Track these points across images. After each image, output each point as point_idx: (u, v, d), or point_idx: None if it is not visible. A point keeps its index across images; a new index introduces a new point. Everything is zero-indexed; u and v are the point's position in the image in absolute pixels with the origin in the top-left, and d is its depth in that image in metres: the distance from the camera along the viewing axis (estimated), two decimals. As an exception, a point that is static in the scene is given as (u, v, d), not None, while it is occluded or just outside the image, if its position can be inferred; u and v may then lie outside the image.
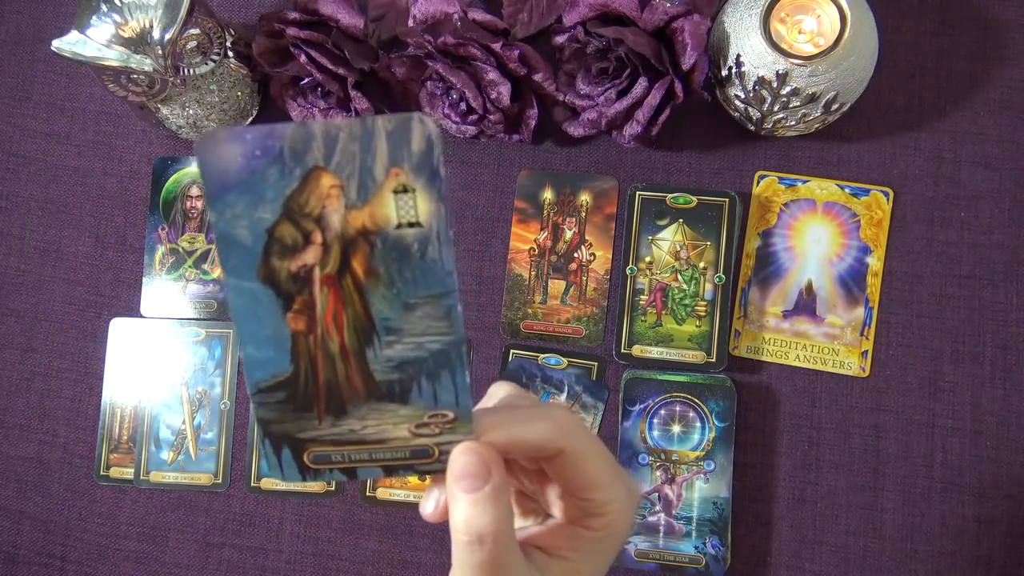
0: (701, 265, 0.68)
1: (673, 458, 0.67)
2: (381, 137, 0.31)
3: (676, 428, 0.67)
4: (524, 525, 0.40)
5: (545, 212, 0.70)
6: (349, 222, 0.32)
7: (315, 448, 0.35)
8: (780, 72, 0.60)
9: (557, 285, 0.70)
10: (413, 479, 0.69)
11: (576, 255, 0.70)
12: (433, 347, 0.33)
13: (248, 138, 0.31)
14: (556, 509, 0.38)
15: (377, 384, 0.34)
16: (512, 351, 0.69)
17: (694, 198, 0.68)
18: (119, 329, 0.72)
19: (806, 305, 0.68)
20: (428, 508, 0.37)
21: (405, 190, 0.32)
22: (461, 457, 0.34)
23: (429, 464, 0.35)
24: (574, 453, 0.35)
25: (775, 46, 0.59)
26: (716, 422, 0.67)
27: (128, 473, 0.71)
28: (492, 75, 0.65)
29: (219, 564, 0.70)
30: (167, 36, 0.61)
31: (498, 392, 0.40)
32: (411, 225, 0.32)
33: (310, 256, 0.33)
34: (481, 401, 0.40)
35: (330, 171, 0.31)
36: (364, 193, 0.32)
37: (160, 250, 0.73)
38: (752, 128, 0.67)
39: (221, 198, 0.31)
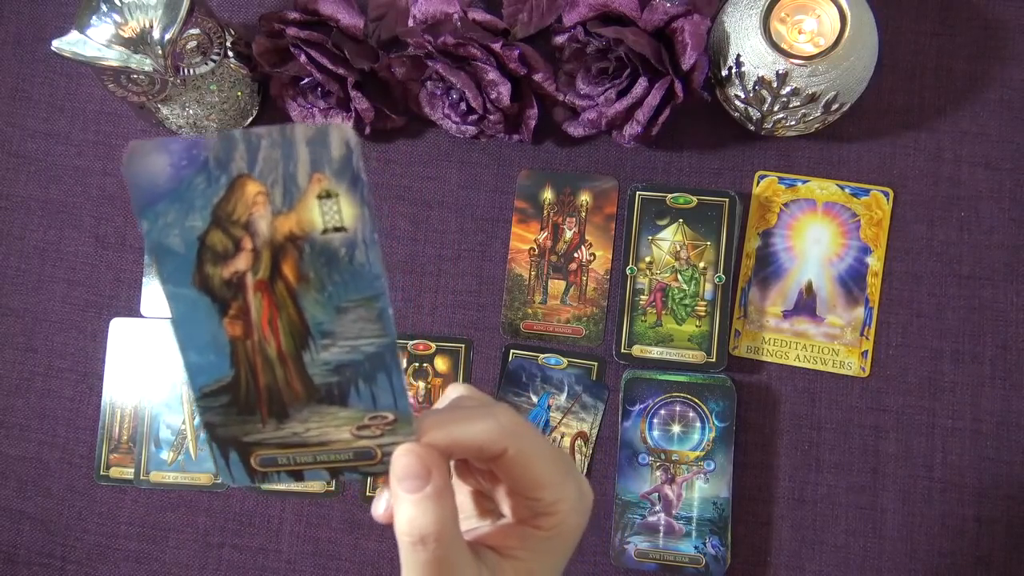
0: (701, 265, 0.68)
1: (673, 458, 0.67)
2: (301, 144, 0.32)
3: (676, 428, 0.67)
4: (480, 525, 0.40)
5: (545, 212, 0.70)
6: (277, 228, 0.33)
7: (261, 451, 0.35)
8: (780, 72, 0.60)
9: (557, 285, 0.70)
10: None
11: (576, 255, 0.70)
12: (368, 350, 0.34)
13: (173, 148, 0.32)
14: (506, 509, 0.39)
15: (316, 387, 0.34)
16: (512, 351, 0.69)
17: (694, 198, 0.68)
18: (119, 329, 0.72)
19: (806, 305, 0.68)
20: (379, 509, 0.37)
21: (328, 195, 0.32)
22: (402, 459, 0.34)
23: (372, 466, 0.35)
24: (518, 453, 0.36)
25: (775, 46, 0.59)
26: (716, 422, 0.67)
27: (128, 473, 0.71)
28: (492, 75, 0.65)
29: (219, 564, 0.70)
30: (167, 36, 0.61)
31: (451, 393, 0.40)
32: (336, 230, 0.33)
33: (241, 262, 0.33)
34: (437, 402, 0.40)
35: (255, 178, 0.32)
36: (289, 199, 0.32)
37: (160, 250, 0.73)
38: (752, 128, 0.67)
39: (151, 208, 0.32)
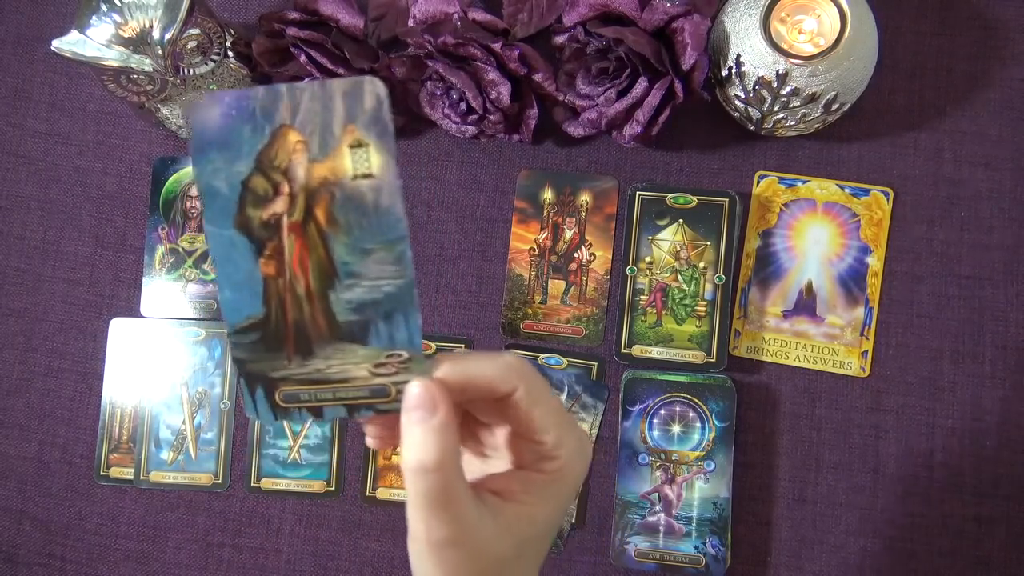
0: (701, 265, 0.68)
1: (673, 458, 0.67)
2: (338, 98, 0.35)
3: (676, 428, 0.67)
4: (482, 474, 0.41)
5: (545, 212, 0.70)
6: (312, 174, 0.35)
7: (285, 387, 0.38)
8: (780, 72, 0.60)
9: (557, 285, 0.70)
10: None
11: (576, 255, 0.70)
12: (388, 289, 0.36)
13: (226, 100, 0.35)
14: (509, 454, 0.40)
15: (339, 324, 0.37)
16: (512, 351, 0.69)
17: (694, 198, 0.68)
18: (119, 329, 0.72)
19: (806, 305, 0.68)
20: (369, 438, 0.40)
21: (360, 145, 0.35)
22: (412, 390, 0.36)
23: (387, 403, 0.38)
24: (527, 394, 0.38)
25: (775, 46, 0.59)
26: (716, 422, 0.67)
27: (128, 473, 0.71)
28: (492, 75, 0.65)
29: (219, 564, 0.70)
30: (167, 36, 0.61)
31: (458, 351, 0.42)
32: (365, 176, 0.35)
33: (279, 205, 0.36)
34: None
35: (296, 128, 0.35)
36: (325, 148, 0.35)
37: (160, 250, 0.73)
38: (752, 128, 0.67)
39: (204, 154, 0.35)
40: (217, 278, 0.37)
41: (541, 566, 0.41)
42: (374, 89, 0.34)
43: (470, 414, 0.41)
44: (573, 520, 0.68)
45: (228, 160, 0.35)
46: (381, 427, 0.39)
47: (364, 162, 0.35)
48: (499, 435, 0.41)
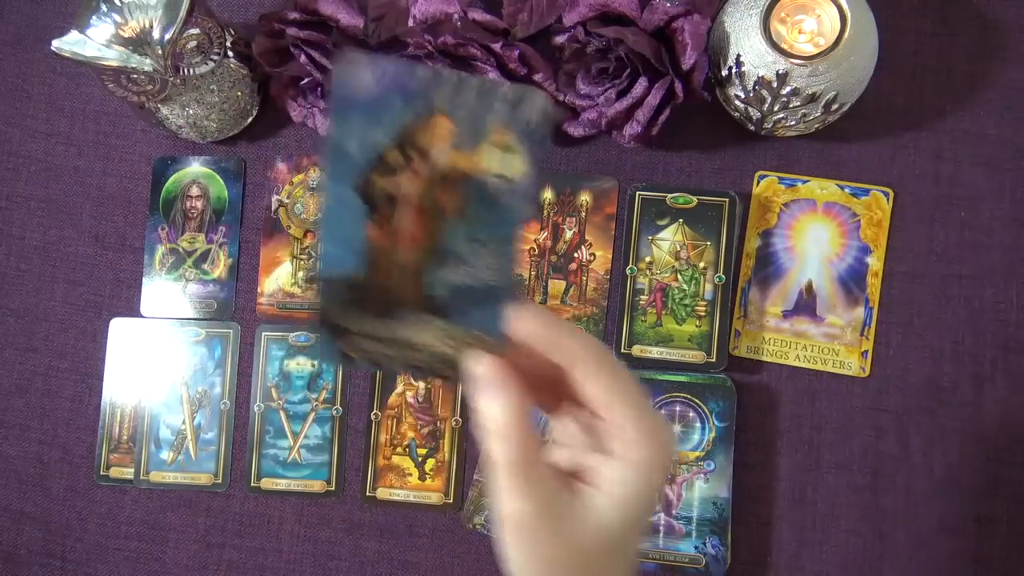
0: (701, 265, 0.68)
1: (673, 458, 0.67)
2: (502, 101, 0.36)
3: (676, 428, 0.67)
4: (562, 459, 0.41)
5: (545, 212, 0.70)
6: (450, 162, 0.36)
7: (358, 339, 0.39)
8: (780, 72, 0.60)
9: (557, 285, 0.70)
10: (413, 479, 0.69)
11: (576, 255, 0.70)
12: (488, 280, 0.38)
13: (385, 67, 0.35)
14: (583, 439, 0.40)
15: (429, 299, 0.38)
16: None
17: (694, 198, 0.68)
18: (119, 329, 0.72)
19: (806, 305, 0.68)
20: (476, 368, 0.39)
21: (507, 149, 0.36)
22: (482, 363, 0.37)
23: (449, 372, 0.39)
24: (587, 368, 0.38)
25: (775, 46, 0.59)
26: (716, 422, 0.67)
27: (128, 473, 0.71)
28: (492, 75, 0.65)
29: (219, 564, 0.70)
30: (167, 36, 0.61)
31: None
32: (503, 178, 0.36)
33: (407, 181, 0.37)
34: None
35: (448, 115, 0.36)
36: (472, 142, 0.36)
37: (160, 250, 0.73)
38: (752, 128, 0.67)
39: (344, 113, 0.36)
40: (322, 231, 0.38)
41: None
42: (540, 103, 0.35)
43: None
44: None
45: (367, 124, 0.36)
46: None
47: (507, 165, 0.36)
48: (570, 423, 0.41)
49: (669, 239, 0.68)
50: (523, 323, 0.38)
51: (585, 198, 0.70)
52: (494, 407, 0.37)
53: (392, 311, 0.38)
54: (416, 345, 0.39)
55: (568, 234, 0.70)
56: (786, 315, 0.68)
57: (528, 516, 0.36)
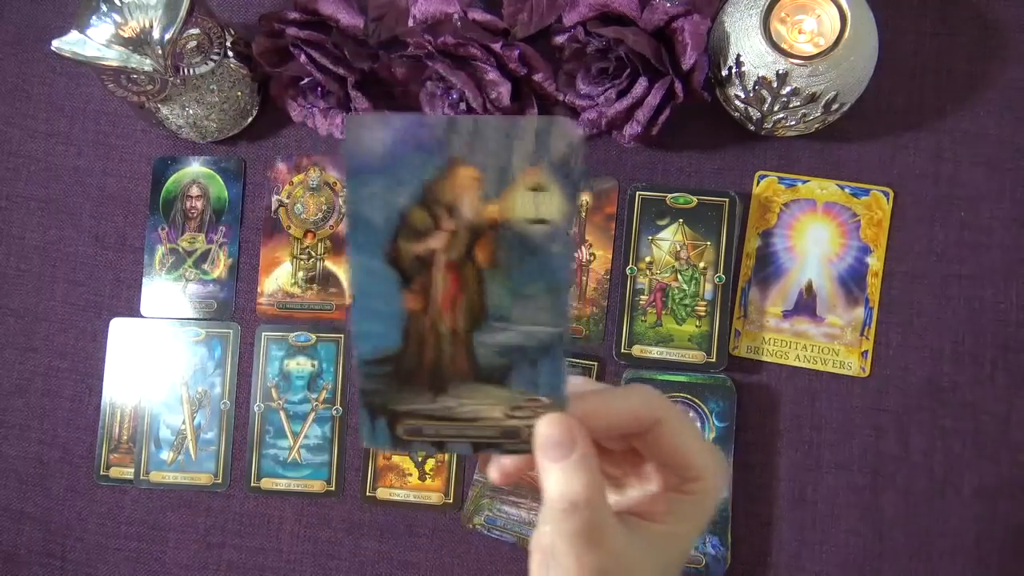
0: (701, 265, 0.68)
1: (673, 458, 0.67)
2: (525, 137, 0.32)
3: (676, 428, 0.67)
4: (620, 499, 0.41)
5: (545, 212, 0.70)
6: (481, 213, 0.33)
7: (409, 421, 0.36)
8: (780, 72, 0.60)
9: (557, 285, 0.69)
10: (413, 479, 0.69)
11: (576, 255, 0.70)
12: (540, 336, 0.35)
13: (397, 124, 0.32)
14: (650, 482, 0.40)
15: (480, 367, 0.35)
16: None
17: (694, 198, 0.68)
18: (119, 329, 0.72)
19: (806, 305, 0.68)
20: (493, 473, 0.38)
21: (540, 188, 0.33)
22: (546, 428, 0.35)
23: (516, 444, 0.36)
24: (670, 421, 0.37)
25: (775, 46, 0.59)
26: (716, 422, 0.67)
27: (128, 473, 0.71)
28: (492, 75, 0.65)
29: (219, 564, 0.70)
30: (167, 36, 0.61)
31: (576, 380, 0.41)
32: (539, 222, 0.33)
33: (437, 241, 0.34)
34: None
35: (470, 163, 0.33)
36: (500, 187, 0.33)
37: (160, 250, 0.73)
38: (752, 128, 0.67)
39: (360, 178, 0.33)
40: (354, 307, 0.34)
41: None
42: (567, 132, 0.32)
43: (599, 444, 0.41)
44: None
45: (388, 188, 0.33)
46: (512, 463, 0.38)
47: (541, 207, 0.33)
48: (631, 462, 0.41)
49: (669, 239, 0.68)
50: (583, 412, 0.36)
51: (585, 198, 0.70)
52: (558, 472, 0.34)
53: (443, 386, 0.36)
54: (478, 419, 0.36)
55: (568, 234, 0.70)
56: (786, 315, 0.68)
57: (603, 570, 0.35)
